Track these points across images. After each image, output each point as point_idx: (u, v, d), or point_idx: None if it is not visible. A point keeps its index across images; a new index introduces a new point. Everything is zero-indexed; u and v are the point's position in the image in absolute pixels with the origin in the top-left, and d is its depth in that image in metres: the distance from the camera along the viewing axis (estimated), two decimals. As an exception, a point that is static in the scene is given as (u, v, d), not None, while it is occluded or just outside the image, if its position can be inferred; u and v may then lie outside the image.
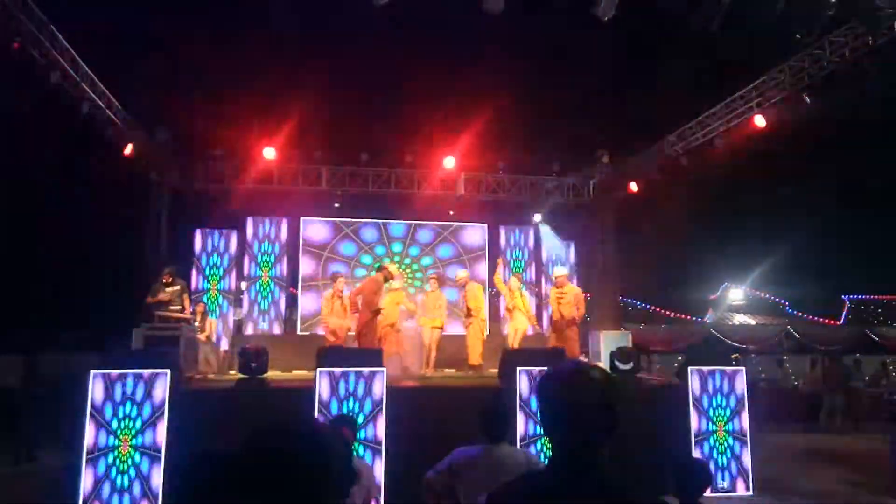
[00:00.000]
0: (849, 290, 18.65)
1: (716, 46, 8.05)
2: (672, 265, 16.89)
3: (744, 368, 7.84)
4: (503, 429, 3.06)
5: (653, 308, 17.28)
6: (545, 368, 1.60)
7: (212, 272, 12.23)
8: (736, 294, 18.87)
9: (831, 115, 9.26)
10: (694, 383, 7.65)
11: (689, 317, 17.39)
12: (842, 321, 18.31)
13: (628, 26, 8.13)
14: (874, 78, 8.07)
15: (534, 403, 7.18)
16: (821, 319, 17.90)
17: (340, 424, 3.97)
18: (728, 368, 7.79)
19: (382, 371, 6.99)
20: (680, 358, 15.58)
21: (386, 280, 9.36)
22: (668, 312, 17.09)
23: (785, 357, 16.60)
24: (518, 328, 10.02)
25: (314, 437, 1.23)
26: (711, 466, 7.30)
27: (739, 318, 17.93)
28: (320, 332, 12.07)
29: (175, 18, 9.54)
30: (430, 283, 10.71)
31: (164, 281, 9.56)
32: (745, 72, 9.85)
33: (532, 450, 6.60)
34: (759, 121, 9.79)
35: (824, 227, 15.90)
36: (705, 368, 7.67)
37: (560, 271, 10.21)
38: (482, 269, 13.24)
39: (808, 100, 8.89)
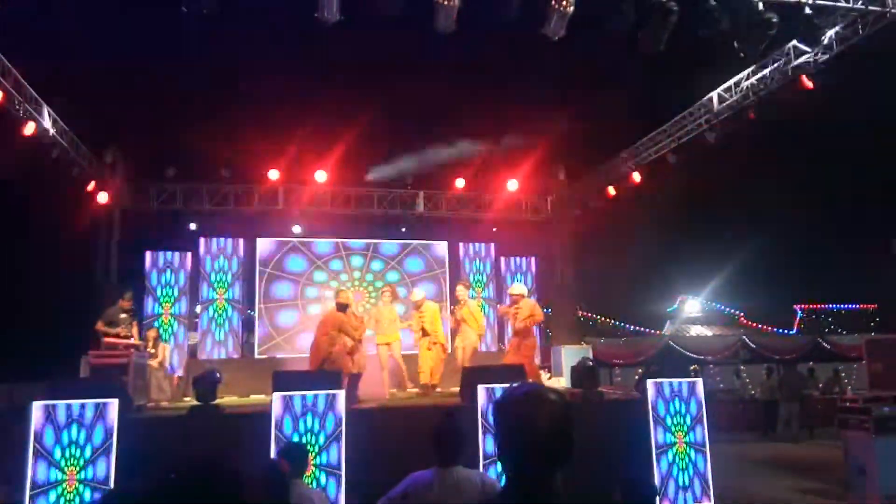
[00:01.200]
0: (800, 299, 19.21)
1: (667, 63, 8.22)
2: (630, 279, 17.14)
3: (700, 379, 7.93)
4: (457, 451, 2.98)
5: (612, 321, 17.49)
6: (505, 386, 1.57)
7: (164, 295, 11.87)
8: (692, 306, 19.24)
9: (778, 128, 9.56)
10: (653, 396, 7.70)
11: (648, 330, 17.64)
12: (794, 330, 18.81)
13: (581, 45, 8.29)
14: (820, 91, 8.35)
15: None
16: (774, 329, 18.36)
17: (283, 457, 3.85)
18: (686, 380, 7.87)
19: (340, 393, 6.85)
20: (640, 370, 15.79)
21: (342, 308, 9.02)
22: (627, 325, 17.31)
23: (742, 367, 16.93)
24: (466, 343, 9.78)
25: (208, 479, 1.16)
26: (671, 484, 7.35)
27: (696, 330, 18.27)
28: (279, 355, 11.85)
29: (124, 37, 9.35)
30: (382, 299, 10.32)
31: (121, 307, 9.25)
32: (695, 88, 10.11)
33: (492, 472, 6.52)
34: (709, 136, 10.05)
35: (776, 238, 16.36)
36: (663, 380, 7.74)
37: (516, 289, 9.87)
38: (437, 287, 13.06)
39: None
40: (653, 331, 17.91)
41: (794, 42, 8.46)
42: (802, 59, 8.48)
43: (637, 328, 17.63)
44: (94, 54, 9.26)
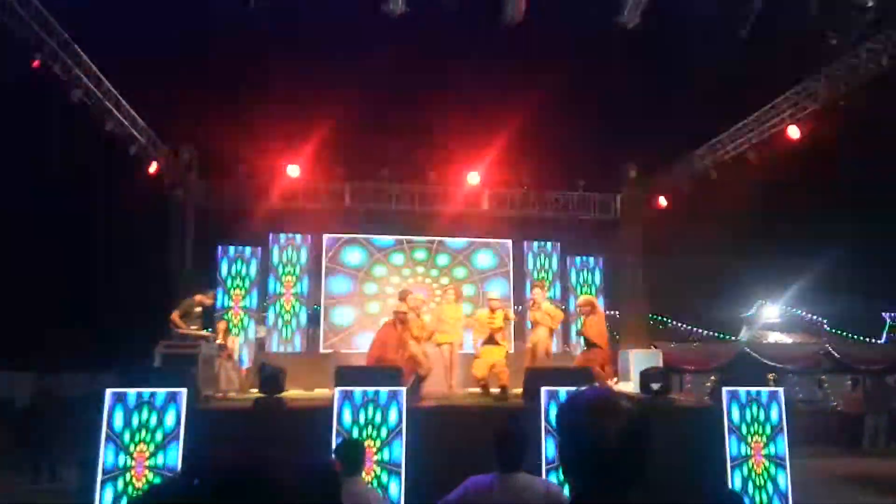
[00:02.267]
0: (890, 307, 17.92)
1: (745, 57, 7.76)
2: (703, 281, 16.39)
3: (781, 389, 7.45)
4: (518, 456, 2.80)
5: (684, 326, 16.79)
6: (571, 389, 1.39)
7: (234, 288, 12.17)
8: (771, 311, 18.24)
9: (870, 124, 8.87)
10: (729, 405, 7.28)
11: (722, 335, 16.85)
12: (883, 340, 17.58)
13: (655, 36, 7.92)
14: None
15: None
16: (861, 338, 17.19)
17: (338, 454, 3.79)
18: (765, 389, 7.41)
19: (402, 390, 6.79)
20: (713, 378, 15.09)
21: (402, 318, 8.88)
22: (699, 331, 16.56)
23: (823, 377, 15.94)
24: (538, 340, 9.47)
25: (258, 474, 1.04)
26: (746, 500, 6.91)
27: (775, 337, 17.31)
28: (343, 350, 11.94)
29: (201, 38, 9.59)
30: (446, 297, 10.09)
31: (200, 301, 9.42)
32: (777, 82, 9.51)
33: (553, 476, 6.30)
34: (793, 132, 9.43)
35: (864, 241, 15.28)
36: (741, 389, 7.30)
37: (583, 300, 9.57)
38: (502, 286, 12.82)
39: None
40: (728, 336, 17.09)
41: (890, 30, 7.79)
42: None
43: (710, 333, 16.86)
44: (170, 52, 9.54)
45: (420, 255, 12.87)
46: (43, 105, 8.58)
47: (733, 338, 16.94)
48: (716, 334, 17.03)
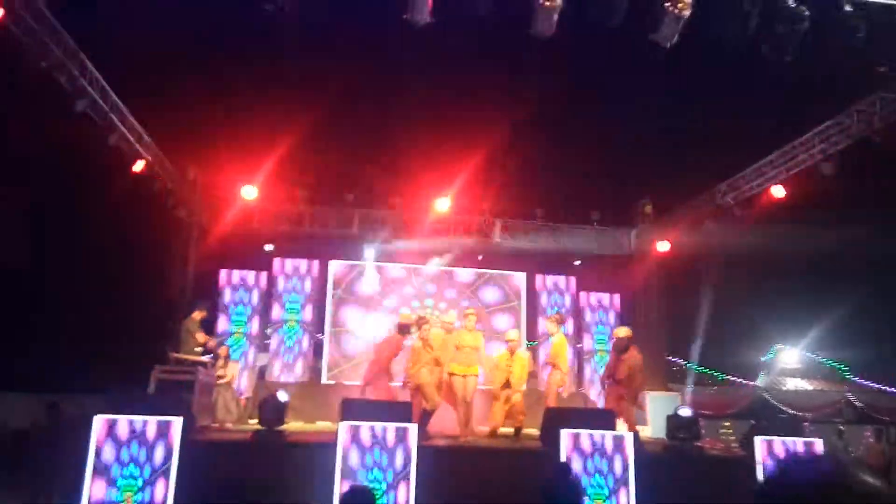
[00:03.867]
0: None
1: (781, 85, 7.45)
2: (720, 323, 15.87)
3: (820, 440, 6.94)
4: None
5: (701, 368, 16.21)
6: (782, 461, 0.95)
7: (237, 314, 11.73)
8: (790, 356, 17.68)
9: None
10: (762, 454, 6.77)
11: (740, 380, 16.26)
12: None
13: (683, 62, 7.63)
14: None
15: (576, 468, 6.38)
16: (886, 387, 16.60)
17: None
18: (801, 439, 6.91)
19: (412, 427, 6.31)
20: (726, 423, 14.51)
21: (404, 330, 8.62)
22: (717, 374, 15.96)
23: (842, 427, 15.32)
24: (551, 382, 9.05)
25: None
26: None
27: (794, 383, 16.73)
28: (346, 382, 11.43)
29: (207, 58, 9.38)
30: (465, 322, 8.87)
31: (196, 319, 9.18)
32: (810, 116, 9.19)
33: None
34: (825, 169, 9.03)
35: (888, 284, 14.80)
36: (776, 438, 6.80)
37: (622, 332, 8.87)
38: (509, 322, 12.37)
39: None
40: (745, 381, 16.50)
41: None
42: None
43: (728, 377, 16.26)
44: (179, 68, 9.29)
45: (430, 288, 12.51)
46: (41, 116, 8.26)
47: (751, 383, 16.37)
48: (733, 378, 16.45)
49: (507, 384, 8.85)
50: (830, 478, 0.83)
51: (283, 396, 6.83)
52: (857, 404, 14.88)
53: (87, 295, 11.66)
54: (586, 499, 6.19)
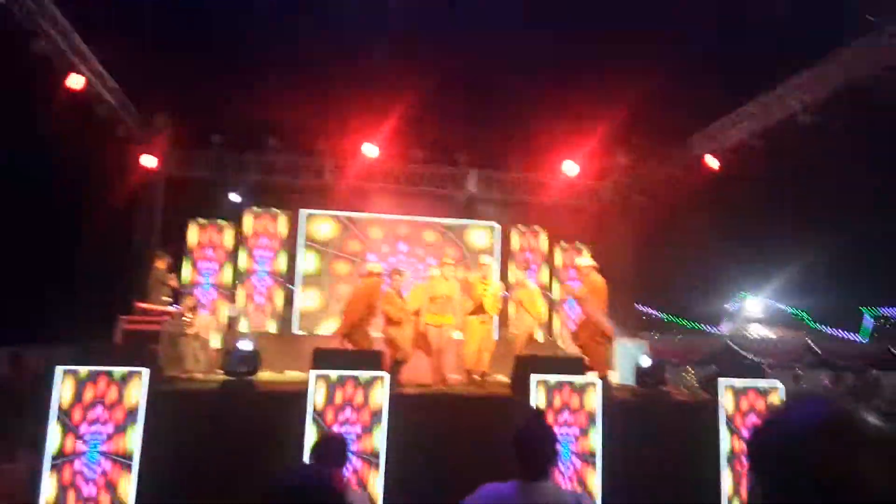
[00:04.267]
0: (873, 303, 17.92)
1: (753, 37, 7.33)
2: (689, 273, 16.15)
3: (781, 384, 7.13)
4: (547, 461, 2.31)
5: (668, 316, 16.55)
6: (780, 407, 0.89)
7: (206, 265, 11.53)
8: (754, 305, 18.12)
9: (879, 115, 8.52)
10: (726, 399, 6.94)
11: (705, 327, 16.66)
12: (865, 336, 17.57)
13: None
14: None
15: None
16: (843, 333, 17.17)
17: (317, 451, 3.33)
18: (762, 383, 7.08)
19: (384, 376, 6.30)
20: (690, 370, 14.87)
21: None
22: (684, 322, 16.33)
23: (800, 372, 15.84)
24: (521, 330, 9.02)
25: None
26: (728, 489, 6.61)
27: (757, 330, 17.20)
28: (318, 332, 11.40)
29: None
30: (442, 270, 8.56)
31: (160, 267, 8.99)
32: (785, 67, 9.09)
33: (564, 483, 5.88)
34: (804, 119, 8.94)
35: (854, 236, 15.12)
36: (738, 383, 6.96)
37: (583, 261, 8.71)
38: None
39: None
40: (711, 328, 16.91)
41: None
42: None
43: (694, 324, 16.65)
44: (151, 17, 8.90)
45: (403, 230, 12.35)
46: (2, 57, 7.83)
47: (716, 330, 16.79)
48: (699, 326, 16.86)
49: (476, 311, 8.62)
50: (836, 420, 0.78)
51: (246, 345, 6.73)
52: (817, 350, 15.36)
53: (53, 243, 11.36)
54: (558, 445, 6.32)
